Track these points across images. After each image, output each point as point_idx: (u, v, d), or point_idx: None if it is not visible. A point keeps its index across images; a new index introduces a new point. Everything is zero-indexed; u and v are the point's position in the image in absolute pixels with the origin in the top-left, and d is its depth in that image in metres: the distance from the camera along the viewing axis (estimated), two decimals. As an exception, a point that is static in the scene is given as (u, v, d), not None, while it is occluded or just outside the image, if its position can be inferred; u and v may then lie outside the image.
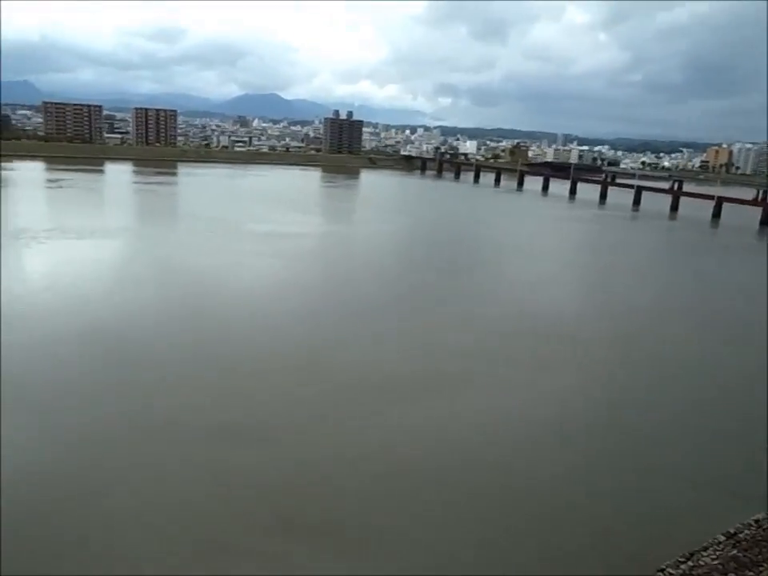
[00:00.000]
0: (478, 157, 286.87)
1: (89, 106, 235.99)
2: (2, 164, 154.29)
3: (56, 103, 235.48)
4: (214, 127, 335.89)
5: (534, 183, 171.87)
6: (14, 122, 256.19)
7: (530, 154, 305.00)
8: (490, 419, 28.21)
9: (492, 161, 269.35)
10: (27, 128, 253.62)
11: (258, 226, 77.68)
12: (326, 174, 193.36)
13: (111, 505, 20.41)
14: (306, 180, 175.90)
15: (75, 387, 29.10)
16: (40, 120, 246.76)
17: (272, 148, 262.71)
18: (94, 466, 22.57)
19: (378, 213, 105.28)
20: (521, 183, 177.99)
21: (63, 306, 41.45)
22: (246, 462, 23.17)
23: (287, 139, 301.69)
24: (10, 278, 47.54)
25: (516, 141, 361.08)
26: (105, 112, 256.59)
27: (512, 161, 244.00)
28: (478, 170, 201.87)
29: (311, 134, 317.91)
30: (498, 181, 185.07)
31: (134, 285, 47.57)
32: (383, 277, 56.85)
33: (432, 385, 31.52)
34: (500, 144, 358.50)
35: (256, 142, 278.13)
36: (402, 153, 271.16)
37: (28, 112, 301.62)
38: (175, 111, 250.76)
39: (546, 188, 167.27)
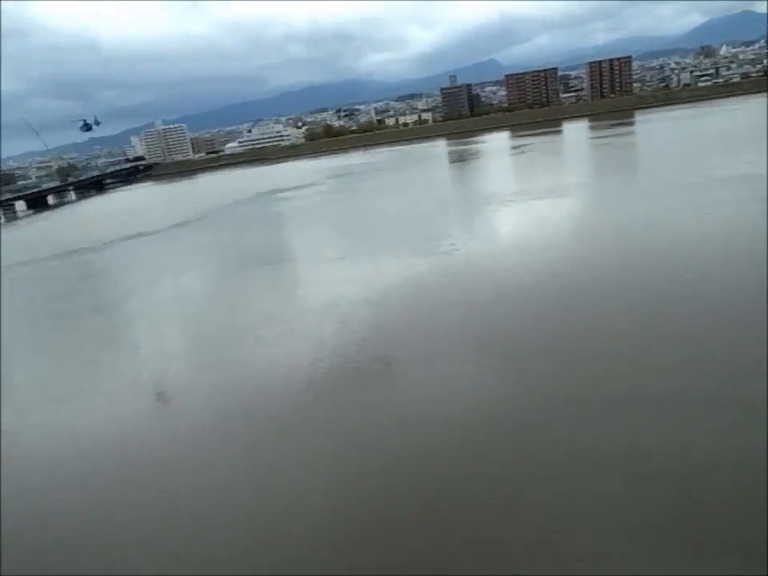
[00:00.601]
0: None
1: (545, 70, 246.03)
2: (475, 137, 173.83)
3: (516, 74, 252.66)
4: (672, 65, 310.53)
5: None
6: (482, 98, 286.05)
7: None
8: None
9: None
10: (494, 102, 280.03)
11: (726, 171, 67.73)
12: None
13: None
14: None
15: (541, 341, 30.00)
16: (504, 93, 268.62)
17: (745, 75, 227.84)
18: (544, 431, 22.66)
19: None
20: None
21: (528, 263, 43.56)
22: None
23: (765, 61, 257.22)
24: (483, 239, 52.73)
25: None
26: (559, 73, 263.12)
27: None
28: None
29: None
30: None
31: (591, 241, 46.96)
32: None
33: None
34: None
35: (724, 73, 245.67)
36: None
37: (493, 87, 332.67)
38: (629, 57, 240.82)
39: None
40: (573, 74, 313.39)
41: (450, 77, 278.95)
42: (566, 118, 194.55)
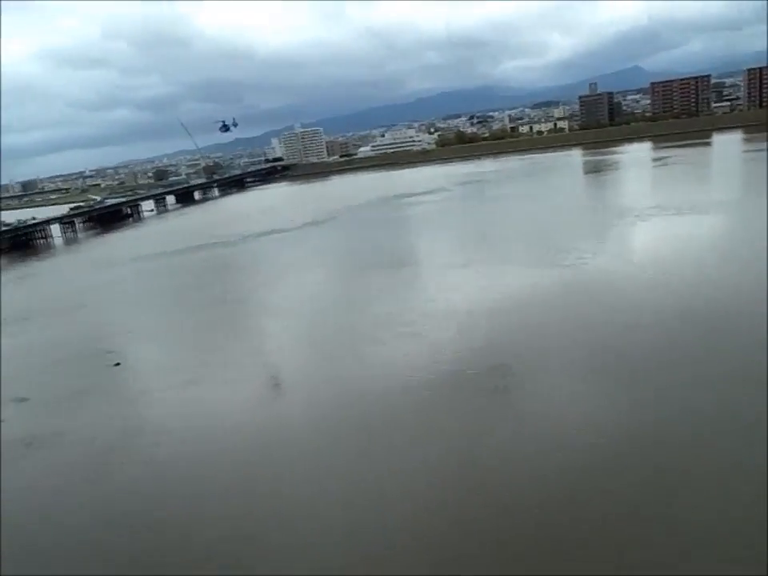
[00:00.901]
0: None
1: (695, 78, 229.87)
2: (613, 148, 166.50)
3: (662, 82, 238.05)
4: None
5: None
6: (624, 107, 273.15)
7: None
8: None
9: None
10: (636, 111, 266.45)
11: None
12: None
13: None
14: None
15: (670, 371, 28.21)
16: (648, 101, 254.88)
17: None
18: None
19: None
20: None
21: (661, 284, 41.02)
22: None
23: None
24: (613, 254, 50.26)
25: None
26: (713, 81, 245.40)
27: None
28: None
29: None
30: None
31: (738, 262, 43.31)
32: None
33: None
34: None
35: None
36: None
37: (637, 96, 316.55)
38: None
39: None
40: (728, 81, 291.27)
41: (590, 84, 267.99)
42: (717, 129, 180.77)
